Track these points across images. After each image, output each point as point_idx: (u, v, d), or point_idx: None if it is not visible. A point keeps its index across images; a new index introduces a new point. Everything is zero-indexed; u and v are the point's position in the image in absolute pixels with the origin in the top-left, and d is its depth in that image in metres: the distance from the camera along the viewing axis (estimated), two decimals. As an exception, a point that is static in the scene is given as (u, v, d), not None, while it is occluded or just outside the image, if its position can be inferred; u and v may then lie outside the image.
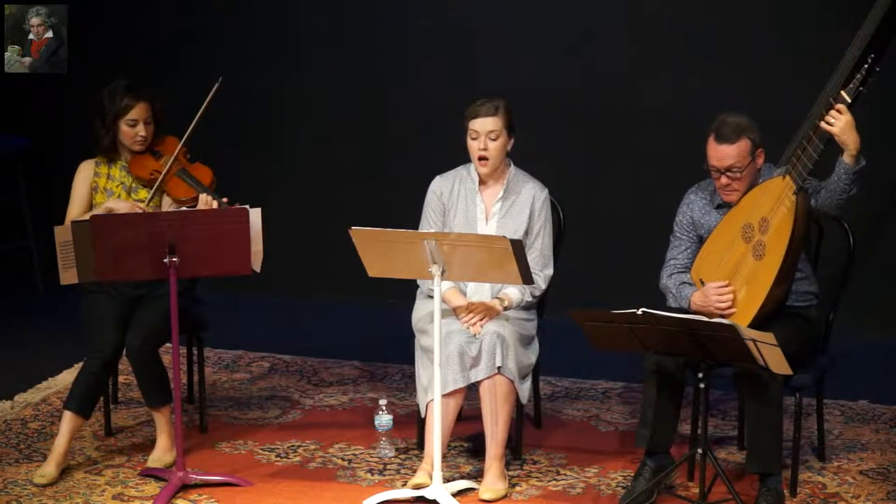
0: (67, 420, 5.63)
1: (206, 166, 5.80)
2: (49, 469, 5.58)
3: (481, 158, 5.59)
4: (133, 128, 5.74)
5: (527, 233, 5.65)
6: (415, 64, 7.60)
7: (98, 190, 5.81)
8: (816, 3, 7.00)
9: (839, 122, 5.07)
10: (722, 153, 5.31)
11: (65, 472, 5.64)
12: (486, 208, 5.69)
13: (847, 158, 5.11)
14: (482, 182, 5.70)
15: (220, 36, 7.88)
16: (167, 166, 5.71)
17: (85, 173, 5.83)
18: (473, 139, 5.60)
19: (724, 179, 5.35)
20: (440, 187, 5.73)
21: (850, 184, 5.12)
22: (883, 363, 6.82)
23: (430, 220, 5.71)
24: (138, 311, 5.73)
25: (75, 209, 5.79)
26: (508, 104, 5.62)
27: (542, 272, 5.65)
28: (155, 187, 5.72)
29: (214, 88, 5.68)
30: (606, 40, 7.32)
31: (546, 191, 5.72)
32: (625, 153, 7.37)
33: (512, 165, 5.72)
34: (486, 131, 5.56)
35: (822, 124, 5.10)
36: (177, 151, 5.73)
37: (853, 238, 5.56)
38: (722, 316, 5.23)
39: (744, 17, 7.13)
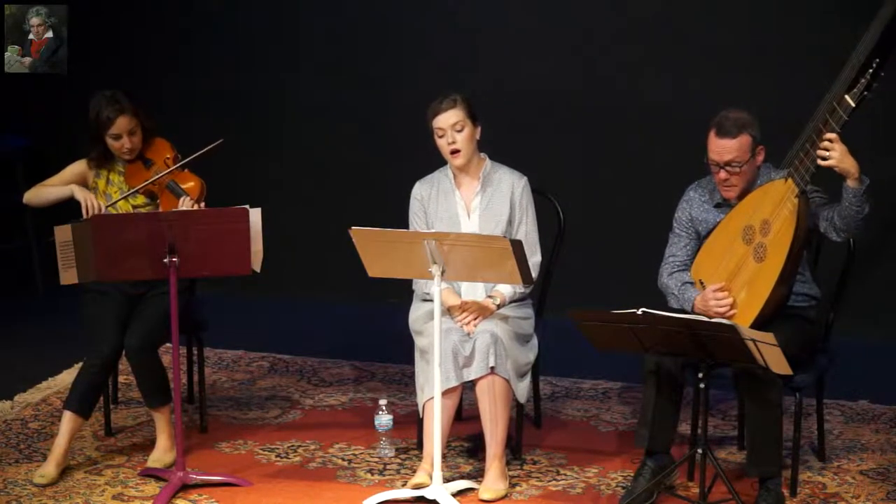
0: (67, 420, 5.63)
1: (195, 176, 5.78)
2: (49, 469, 5.58)
3: (453, 152, 5.60)
4: (118, 141, 5.74)
5: (510, 222, 5.65)
6: (415, 64, 7.60)
7: (98, 192, 5.81)
8: (816, 3, 7.00)
9: (835, 154, 5.06)
10: (722, 147, 5.31)
11: (65, 472, 5.65)
12: (465, 204, 5.70)
13: (851, 183, 5.10)
14: (458, 179, 5.71)
15: (220, 36, 7.88)
16: (155, 178, 5.71)
17: (79, 169, 5.82)
18: (441, 137, 5.61)
19: (722, 174, 5.35)
20: (420, 192, 5.74)
21: (862, 205, 5.12)
22: (883, 363, 6.82)
23: (416, 226, 5.71)
24: (138, 311, 5.74)
25: (52, 181, 5.79)
26: (465, 95, 5.62)
27: (531, 260, 5.63)
28: (135, 190, 5.73)
29: (213, 145, 5.68)
30: (606, 40, 7.32)
31: (525, 178, 5.72)
32: (625, 153, 7.37)
33: (487, 159, 5.73)
34: (449, 125, 5.57)
35: (819, 160, 5.09)
36: (166, 172, 5.72)
37: (853, 238, 5.56)
38: (723, 317, 5.23)
39: (744, 17, 7.13)
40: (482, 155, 5.72)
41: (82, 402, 5.64)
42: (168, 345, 5.62)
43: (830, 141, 5.06)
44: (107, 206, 5.72)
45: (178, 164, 5.75)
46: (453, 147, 5.60)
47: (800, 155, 5.20)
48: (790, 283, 5.33)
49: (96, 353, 5.63)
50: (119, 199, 5.74)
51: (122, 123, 5.71)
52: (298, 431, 6.10)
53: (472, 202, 5.70)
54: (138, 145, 5.77)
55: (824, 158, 5.07)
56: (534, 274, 5.67)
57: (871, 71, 5.04)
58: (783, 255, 5.21)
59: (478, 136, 5.65)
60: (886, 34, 5.08)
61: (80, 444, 5.93)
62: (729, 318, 5.25)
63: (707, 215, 5.50)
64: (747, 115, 5.34)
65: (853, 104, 5.05)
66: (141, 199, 5.80)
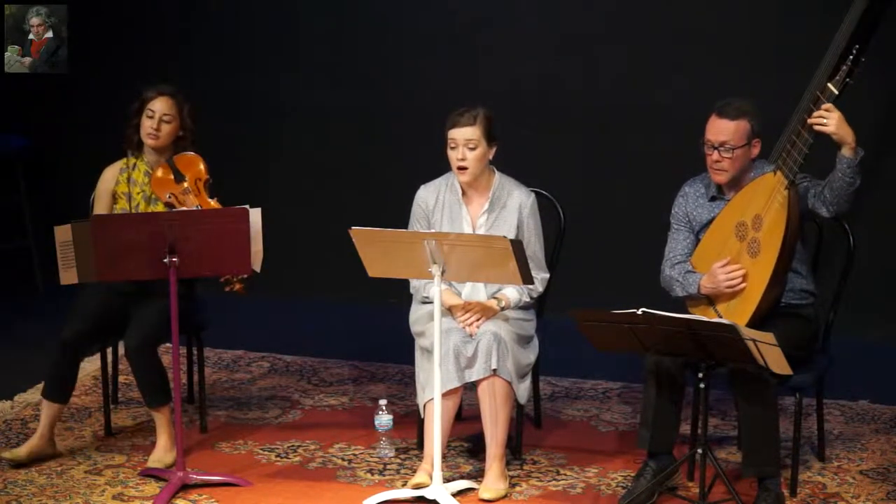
0: (43, 407, 5.73)
1: (220, 206, 5.78)
2: (20, 451, 5.67)
3: (460, 168, 5.57)
4: (150, 119, 5.76)
5: None
6: (415, 64, 7.60)
7: (118, 196, 5.81)
8: (817, 3, 7.00)
9: (831, 121, 5.08)
10: (719, 127, 5.33)
11: (65, 472, 5.65)
12: (472, 220, 5.66)
13: (847, 152, 5.12)
14: (467, 195, 5.68)
15: (219, 36, 7.88)
16: (184, 200, 5.71)
17: (107, 179, 5.84)
18: (452, 148, 5.55)
19: (715, 155, 5.36)
20: (426, 199, 5.70)
21: (854, 176, 5.13)
22: (883, 363, 6.82)
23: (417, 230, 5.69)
24: (137, 311, 5.74)
25: (99, 210, 5.84)
26: (489, 113, 5.56)
27: (537, 277, 5.61)
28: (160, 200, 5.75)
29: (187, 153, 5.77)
30: (606, 40, 7.32)
31: (532, 196, 5.69)
32: (625, 153, 7.37)
33: (497, 173, 5.68)
34: (463, 140, 5.53)
35: (816, 126, 5.10)
36: (190, 179, 5.74)
37: (853, 238, 5.56)
38: (735, 290, 5.25)
39: (744, 16, 7.13)
40: (491, 168, 5.69)
41: (52, 388, 5.72)
42: (168, 345, 5.63)
43: (827, 110, 5.07)
44: None
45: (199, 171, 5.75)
46: (461, 164, 5.55)
47: (787, 147, 5.21)
48: (785, 275, 5.34)
49: (59, 338, 5.65)
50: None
51: (162, 103, 5.76)
52: (298, 431, 6.10)
53: (478, 219, 5.67)
54: (167, 137, 5.77)
55: (822, 126, 5.08)
56: (541, 288, 5.66)
57: (851, 57, 5.05)
58: (777, 248, 5.21)
59: (491, 157, 5.61)
60: (864, 18, 5.08)
61: (80, 444, 5.93)
62: (740, 290, 5.24)
63: (701, 210, 5.50)
64: (750, 104, 5.37)
65: (836, 91, 5.07)
66: (161, 207, 5.79)
